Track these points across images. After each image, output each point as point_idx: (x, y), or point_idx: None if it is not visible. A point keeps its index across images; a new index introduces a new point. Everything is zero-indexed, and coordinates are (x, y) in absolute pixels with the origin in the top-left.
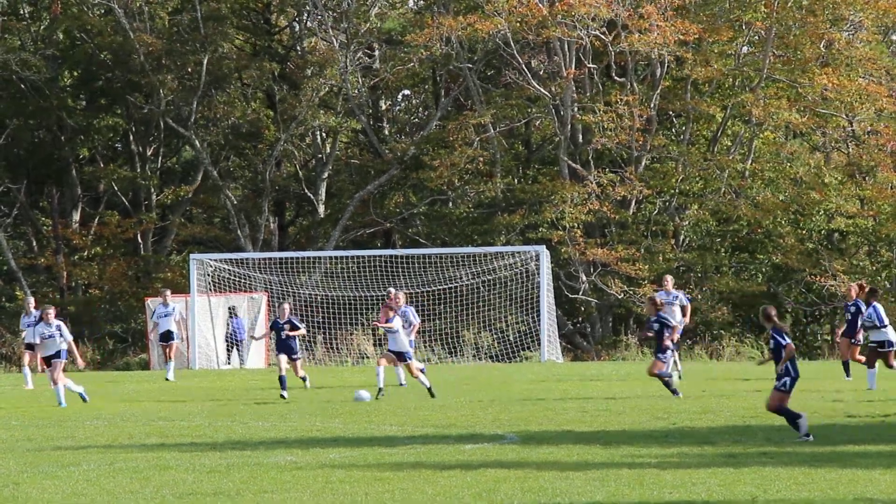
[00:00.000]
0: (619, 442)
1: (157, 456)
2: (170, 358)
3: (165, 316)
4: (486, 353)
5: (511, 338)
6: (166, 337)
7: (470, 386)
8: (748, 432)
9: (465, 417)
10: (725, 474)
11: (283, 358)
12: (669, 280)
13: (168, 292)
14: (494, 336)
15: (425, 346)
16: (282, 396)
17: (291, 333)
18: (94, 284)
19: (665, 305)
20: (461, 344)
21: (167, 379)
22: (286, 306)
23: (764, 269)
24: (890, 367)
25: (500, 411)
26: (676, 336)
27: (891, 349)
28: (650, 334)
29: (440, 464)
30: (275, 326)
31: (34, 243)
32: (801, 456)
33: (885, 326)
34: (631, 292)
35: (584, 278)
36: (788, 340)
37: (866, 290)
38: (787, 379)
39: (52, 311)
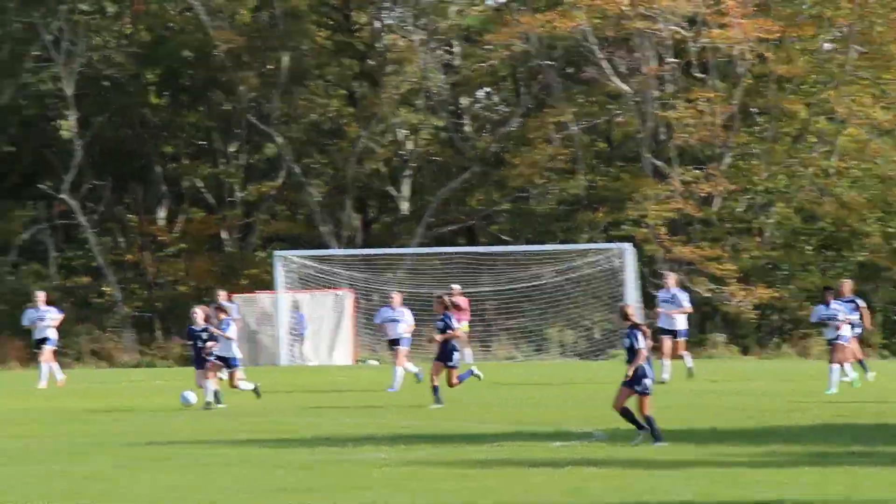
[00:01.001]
0: (707, 440)
1: (246, 452)
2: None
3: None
4: (571, 351)
5: (597, 335)
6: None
7: (556, 383)
8: (836, 431)
9: (552, 414)
10: (815, 473)
11: (200, 373)
12: (671, 277)
13: (223, 293)
14: (580, 334)
15: (511, 343)
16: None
17: (211, 344)
18: (181, 280)
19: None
20: (546, 341)
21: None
22: (199, 311)
23: (850, 268)
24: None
25: (587, 409)
26: (682, 340)
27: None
28: (437, 338)
29: (528, 461)
30: (190, 335)
31: (121, 240)
32: (891, 456)
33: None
34: (718, 290)
35: None
36: (643, 344)
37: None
38: (648, 381)
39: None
